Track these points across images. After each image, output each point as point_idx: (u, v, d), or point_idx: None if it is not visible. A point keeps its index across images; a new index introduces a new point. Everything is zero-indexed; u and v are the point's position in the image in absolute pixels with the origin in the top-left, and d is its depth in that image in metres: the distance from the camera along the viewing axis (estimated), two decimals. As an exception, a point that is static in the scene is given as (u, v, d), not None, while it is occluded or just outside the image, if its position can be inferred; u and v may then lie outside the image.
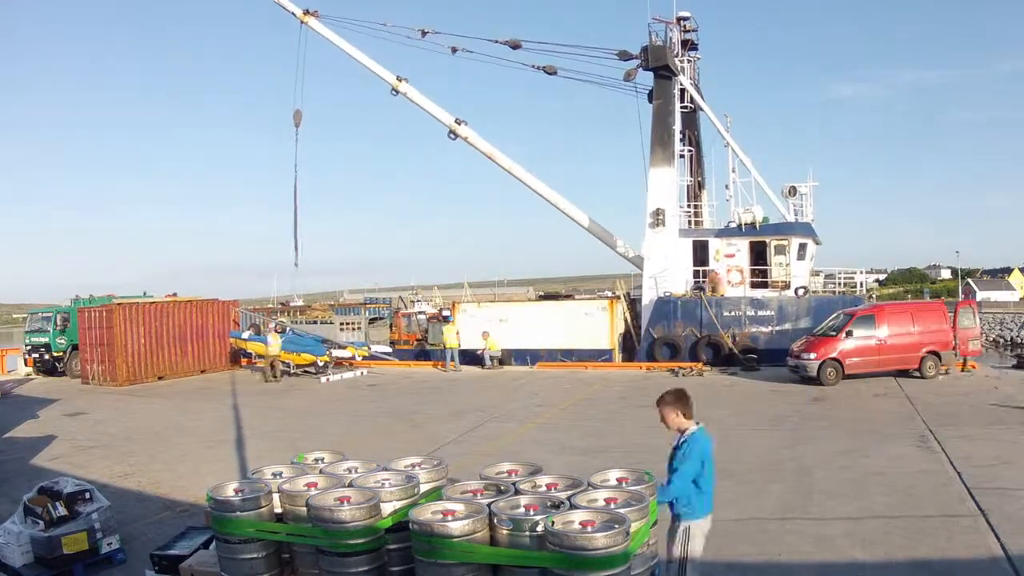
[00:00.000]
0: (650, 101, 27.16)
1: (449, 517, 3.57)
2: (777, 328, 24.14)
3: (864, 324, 18.73)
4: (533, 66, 28.36)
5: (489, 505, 3.69)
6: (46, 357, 25.69)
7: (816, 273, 27.62)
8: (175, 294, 27.46)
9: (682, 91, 27.54)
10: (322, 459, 4.87)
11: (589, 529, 3.34)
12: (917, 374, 18.54)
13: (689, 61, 28.23)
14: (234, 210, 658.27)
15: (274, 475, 4.50)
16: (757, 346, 23.80)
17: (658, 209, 26.03)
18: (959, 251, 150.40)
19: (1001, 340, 57.66)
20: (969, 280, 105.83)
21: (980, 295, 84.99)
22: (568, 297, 34.35)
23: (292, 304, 43.39)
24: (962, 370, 19.47)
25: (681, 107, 27.43)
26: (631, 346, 26.07)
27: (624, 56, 27.04)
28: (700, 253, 26.15)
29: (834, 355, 18.35)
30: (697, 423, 5.03)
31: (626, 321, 26.55)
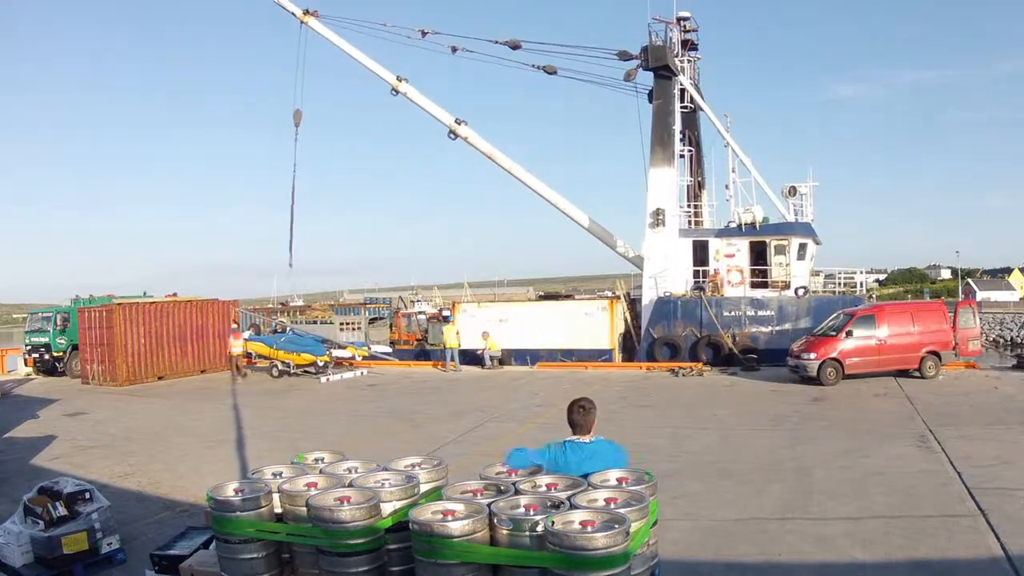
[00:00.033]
0: (650, 101, 27.19)
1: (449, 517, 3.57)
2: (777, 328, 24.15)
3: (864, 324, 18.74)
4: (533, 66, 28.43)
5: (489, 505, 3.69)
6: (46, 357, 25.70)
7: (816, 273, 27.64)
8: (175, 294, 27.47)
9: (682, 91, 27.56)
10: (322, 459, 4.87)
11: (589, 529, 3.34)
12: (917, 374, 18.55)
13: (689, 61, 28.24)
14: (234, 210, 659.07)
15: (274, 475, 4.49)
16: (757, 346, 23.82)
17: (658, 209, 26.05)
18: (959, 251, 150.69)
19: (1001, 340, 57.63)
20: (969, 280, 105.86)
21: (980, 295, 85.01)
22: (568, 297, 34.36)
23: (292, 304, 43.39)
24: (964, 368, 19.47)
25: (681, 107, 27.45)
26: (631, 346, 26.08)
27: (624, 56, 27.07)
28: (700, 253, 26.16)
29: (834, 355, 18.36)
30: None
31: (626, 321, 26.56)
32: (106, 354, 22.80)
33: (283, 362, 23.12)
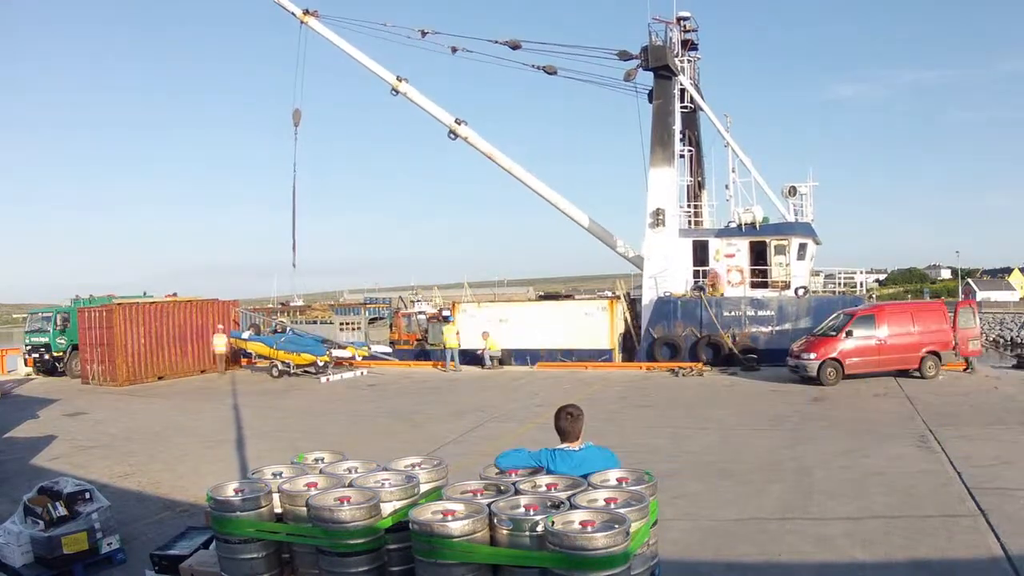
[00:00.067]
0: (650, 101, 27.18)
1: (449, 517, 3.57)
2: (777, 328, 24.15)
3: (864, 324, 18.74)
4: (533, 66, 28.42)
5: (489, 505, 3.69)
6: (46, 357, 25.71)
7: (816, 273, 27.63)
8: (175, 294, 27.49)
9: (682, 91, 27.55)
10: (322, 459, 4.87)
11: (589, 529, 3.34)
12: (917, 374, 18.55)
13: (689, 61, 28.23)
14: (234, 210, 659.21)
15: (274, 475, 4.49)
16: (757, 346, 23.81)
17: (658, 209, 26.05)
18: (959, 251, 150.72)
19: (1001, 340, 57.66)
20: (969, 280, 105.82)
21: (980, 295, 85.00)
22: (568, 297, 34.35)
23: (292, 304, 43.33)
24: (964, 369, 19.46)
25: (681, 107, 27.44)
26: (631, 346, 26.08)
27: (624, 56, 27.06)
28: (700, 253, 26.16)
29: (834, 355, 18.36)
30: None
31: (626, 321, 26.56)
32: (106, 354, 22.81)
33: (283, 362, 23.12)
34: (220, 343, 24.54)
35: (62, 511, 7.18)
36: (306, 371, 23.22)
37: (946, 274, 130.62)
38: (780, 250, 25.33)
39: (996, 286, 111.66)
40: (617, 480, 4.11)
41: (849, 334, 18.53)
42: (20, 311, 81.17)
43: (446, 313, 31.59)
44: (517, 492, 3.92)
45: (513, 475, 4.38)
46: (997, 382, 17.90)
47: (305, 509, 3.92)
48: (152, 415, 16.95)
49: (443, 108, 29.04)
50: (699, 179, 29.02)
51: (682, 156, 27.87)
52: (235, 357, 25.62)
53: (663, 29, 27.11)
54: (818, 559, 6.91)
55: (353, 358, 24.04)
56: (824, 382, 18.02)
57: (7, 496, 9.27)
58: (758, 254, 25.56)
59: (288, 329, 25.21)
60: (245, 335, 24.56)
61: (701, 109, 28.32)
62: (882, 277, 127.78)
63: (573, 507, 3.60)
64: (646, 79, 27.29)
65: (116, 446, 13.28)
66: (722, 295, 25.03)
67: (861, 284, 27.31)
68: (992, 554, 6.80)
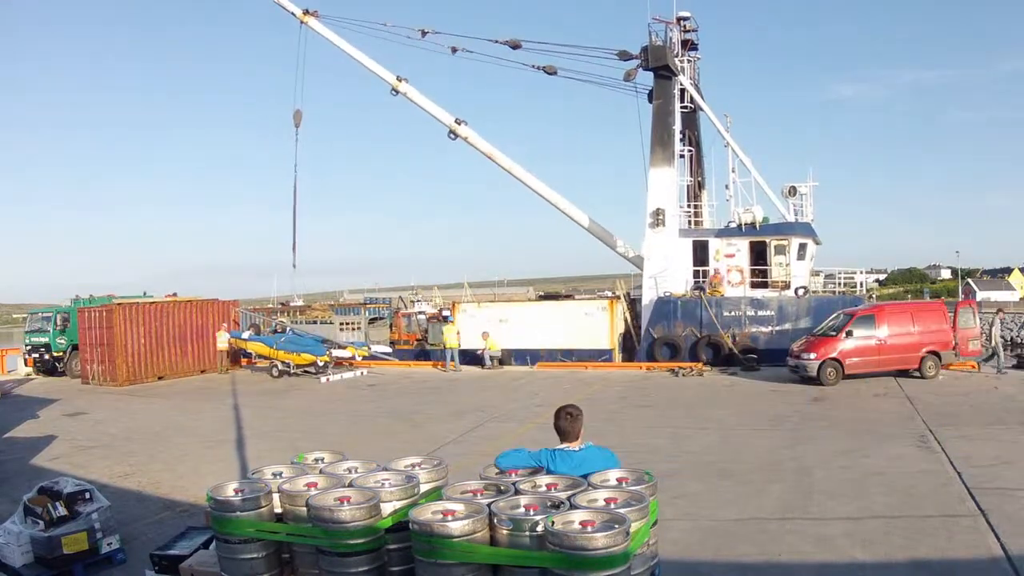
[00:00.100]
0: (650, 101, 27.18)
1: (449, 517, 3.57)
2: (777, 328, 24.15)
3: (864, 324, 18.74)
4: (533, 66, 28.42)
5: (489, 505, 3.69)
6: (46, 357, 25.71)
7: (816, 273, 27.64)
8: (175, 294, 27.49)
9: (682, 91, 27.55)
10: (322, 459, 4.87)
11: (589, 529, 3.34)
12: (917, 374, 18.55)
13: (689, 61, 28.23)
14: (234, 210, 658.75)
15: (274, 475, 4.49)
16: (757, 346, 23.82)
17: (658, 209, 26.05)
18: (959, 251, 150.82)
19: (1001, 340, 57.62)
20: (969, 280, 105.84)
21: (980, 295, 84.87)
22: (568, 297, 34.35)
23: (292, 304, 43.35)
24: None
25: (681, 107, 27.44)
26: (631, 346, 26.08)
27: (624, 56, 27.06)
28: (700, 253, 26.16)
29: (834, 355, 18.37)
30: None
31: (626, 321, 26.56)
32: (106, 354, 22.81)
33: (283, 362, 23.13)
34: (222, 340, 24.71)
35: (62, 511, 7.18)
36: (306, 371, 23.22)
37: (946, 274, 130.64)
38: (780, 250, 25.33)
39: (996, 286, 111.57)
40: (617, 480, 4.11)
41: (849, 334, 18.53)
42: (20, 311, 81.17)
43: (446, 313, 31.59)
44: (517, 492, 3.92)
45: (513, 475, 4.38)
46: (997, 382, 17.90)
47: (305, 509, 3.92)
48: (152, 415, 16.95)
49: (443, 108, 29.09)
50: (699, 179, 29.03)
51: (682, 156, 27.88)
52: (235, 357, 25.65)
53: (663, 29, 27.15)
54: (818, 559, 6.91)
55: (353, 358, 24.05)
56: (824, 382, 18.02)
57: (7, 496, 9.27)
58: (758, 254, 25.57)
59: (288, 329, 25.22)
60: (245, 335, 24.58)
61: (701, 109, 28.33)
62: (882, 277, 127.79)
63: (573, 507, 3.59)
64: (646, 79, 27.33)
65: (116, 446, 13.28)
66: (722, 295, 25.04)
67: (861, 284, 27.32)
68: (992, 554, 6.80)
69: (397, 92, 28.51)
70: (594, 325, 26.22)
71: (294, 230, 28.16)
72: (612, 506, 3.62)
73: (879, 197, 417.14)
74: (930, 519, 7.83)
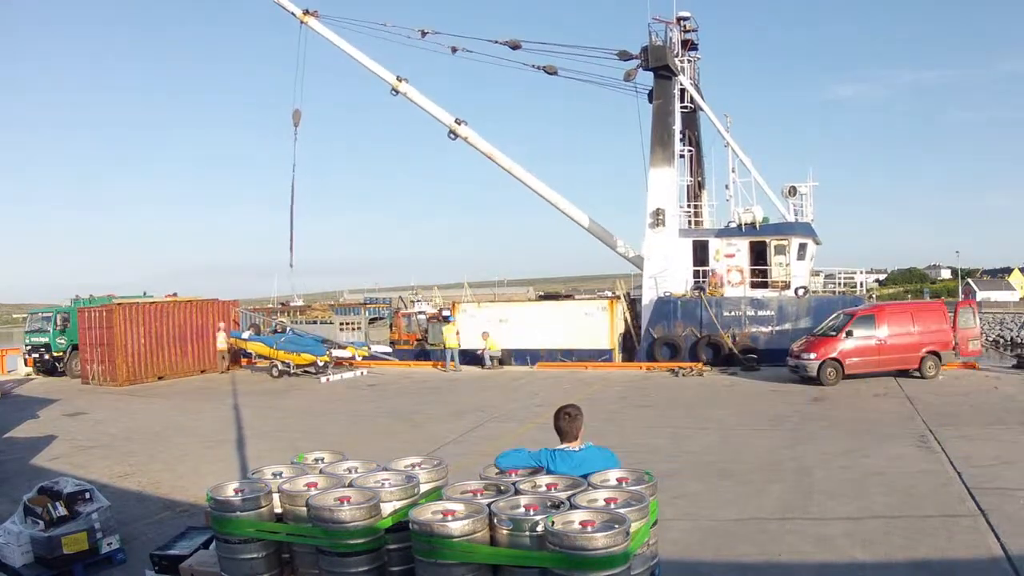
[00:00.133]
0: (650, 101, 27.19)
1: (449, 517, 3.57)
2: (777, 328, 24.15)
3: (864, 324, 18.74)
4: (533, 66, 28.43)
5: (489, 505, 3.69)
6: (46, 357, 25.71)
7: (816, 273, 27.64)
8: (175, 294, 27.48)
9: (682, 91, 27.55)
10: (322, 459, 4.87)
11: (589, 529, 3.34)
12: (917, 374, 18.55)
13: (689, 61, 28.23)
14: (234, 210, 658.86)
15: (274, 475, 4.49)
16: (757, 346, 23.82)
17: (658, 209, 26.05)
18: (959, 251, 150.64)
19: (1001, 340, 57.64)
20: (969, 280, 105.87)
21: (980, 295, 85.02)
22: (568, 297, 34.35)
23: (292, 304, 43.35)
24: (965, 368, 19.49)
25: (681, 107, 27.44)
26: (631, 346, 26.08)
27: (624, 56, 27.07)
28: (700, 253, 26.16)
29: (834, 355, 18.36)
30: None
31: (626, 321, 26.56)
32: (106, 354, 22.81)
33: (283, 362, 23.12)
34: (222, 340, 24.76)
35: (62, 511, 7.18)
36: (306, 371, 23.22)
37: (946, 274, 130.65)
38: (780, 250, 25.33)
39: (996, 286, 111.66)
40: (617, 480, 4.11)
41: (849, 334, 18.53)
42: (20, 311, 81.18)
43: (446, 313, 31.58)
44: (517, 492, 3.92)
45: (513, 475, 4.38)
46: (997, 382, 17.90)
47: (305, 509, 3.92)
48: (152, 415, 16.95)
49: (443, 108, 29.09)
50: (699, 179, 29.03)
51: (682, 156, 27.88)
52: (235, 357, 25.65)
53: (663, 29, 27.16)
54: (818, 559, 6.91)
55: (353, 358, 24.04)
56: (824, 382, 18.02)
57: (7, 496, 9.27)
58: (758, 254, 25.57)
59: (288, 329, 25.21)
60: (245, 335, 24.56)
61: (701, 109, 28.33)
62: (882, 277, 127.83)
63: (573, 507, 3.59)
64: (646, 79, 27.34)
65: (116, 446, 13.28)
66: (722, 295, 25.04)
67: (861, 284, 27.32)
68: (992, 554, 6.80)
69: (397, 92, 28.51)
70: (594, 325, 26.22)
71: (291, 229, 28.11)
72: (612, 506, 3.61)
73: (879, 197, 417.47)
74: (930, 519, 7.83)
